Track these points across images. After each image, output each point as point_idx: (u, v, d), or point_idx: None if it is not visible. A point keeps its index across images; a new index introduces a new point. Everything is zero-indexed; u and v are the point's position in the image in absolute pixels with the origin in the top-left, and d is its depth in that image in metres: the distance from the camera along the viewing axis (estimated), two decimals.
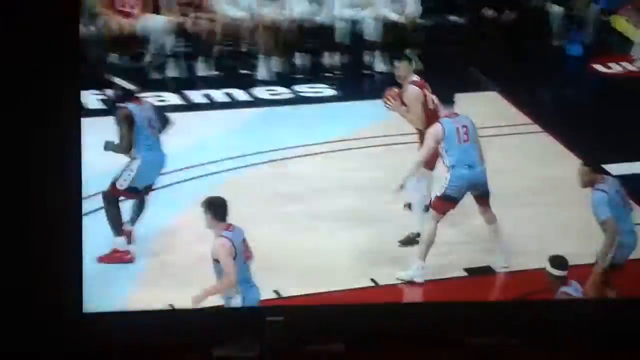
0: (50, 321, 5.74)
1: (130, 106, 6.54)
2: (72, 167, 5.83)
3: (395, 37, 8.26)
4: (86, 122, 6.16)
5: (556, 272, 5.77)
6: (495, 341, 5.77)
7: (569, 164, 6.83)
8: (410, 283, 6.36)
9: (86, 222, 5.98)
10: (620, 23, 8.00)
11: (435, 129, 6.49)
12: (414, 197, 6.70)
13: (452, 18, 8.43)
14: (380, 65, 8.27)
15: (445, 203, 6.44)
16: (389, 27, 8.27)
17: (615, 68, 7.93)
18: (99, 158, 6.37)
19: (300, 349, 5.72)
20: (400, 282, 6.38)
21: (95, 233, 6.24)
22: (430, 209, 6.50)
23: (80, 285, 5.76)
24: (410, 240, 6.73)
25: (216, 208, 5.73)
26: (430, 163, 6.67)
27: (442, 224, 6.45)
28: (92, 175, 6.21)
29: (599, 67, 7.94)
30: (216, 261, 5.68)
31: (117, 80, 6.60)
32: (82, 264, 5.80)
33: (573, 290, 5.83)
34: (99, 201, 6.47)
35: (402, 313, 5.92)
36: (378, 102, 7.71)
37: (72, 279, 5.75)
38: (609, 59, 7.96)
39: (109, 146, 6.51)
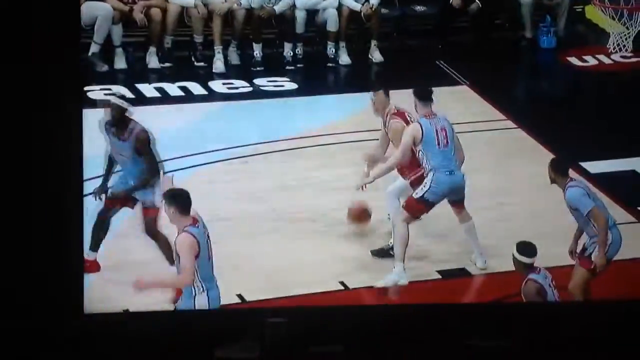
0: (51, 322, 5.73)
1: (140, 126, 6.00)
2: (73, 166, 5.78)
3: (359, 28, 7.99)
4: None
5: (524, 259, 5.63)
6: (493, 342, 5.77)
7: (543, 161, 6.64)
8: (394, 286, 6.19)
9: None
10: (594, 13, 7.88)
11: (413, 128, 6.27)
12: (391, 206, 6.44)
13: (419, 8, 8.19)
14: (344, 58, 7.99)
15: (421, 206, 6.23)
16: (352, 18, 7.97)
17: (590, 61, 7.82)
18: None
19: (301, 350, 5.75)
20: (380, 286, 6.20)
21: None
22: (402, 210, 6.24)
23: (80, 286, 5.77)
24: (383, 253, 6.45)
25: (180, 201, 5.42)
26: (407, 172, 6.43)
27: (413, 225, 6.28)
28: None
29: (573, 60, 7.81)
30: (178, 256, 5.41)
31: (114, 100, 6.04)
32: (82, 264, 5.80)
33: (542, 278, 5.69)
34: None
35: (402, 315, 5.88)
36: (342, 97, 7.53)
37: (73, 279, 5.77)
38: (584, 51, 7.85)
39: (138, 185, 5.93)
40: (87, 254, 6.02)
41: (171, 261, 5.84)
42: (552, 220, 6.35)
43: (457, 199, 6.30)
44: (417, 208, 6.23)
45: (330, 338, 5.74)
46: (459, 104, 7.39)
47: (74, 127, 5.70)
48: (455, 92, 7.56)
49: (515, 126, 7.39)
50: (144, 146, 5.99)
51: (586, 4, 7.99)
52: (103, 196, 6.05)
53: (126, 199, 6.08)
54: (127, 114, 6.06)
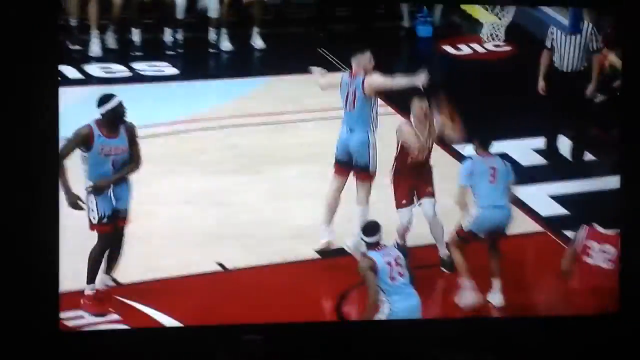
0: (26, 338, 5.70)
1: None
2: (51, 178, 5.81)
3: (239, 15, 8.02)
4: None
5: (366, 239, 6.06)
6: (470, 357, 6.01)
7: None
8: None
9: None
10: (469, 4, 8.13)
11: None
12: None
13: None
14: (225, 44, 8.04)
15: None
16: (234, 5, 8.02)
17: (465, 49, 8.05)
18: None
19: None
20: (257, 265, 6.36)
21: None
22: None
23: (56, 302, 5.74)
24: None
25: None
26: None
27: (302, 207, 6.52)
28: None
29: (449, 48, 8.05)
30: None
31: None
32: (58, 280, 5.74)
33: (378, 255, 5.99)
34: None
35: (380, 331, 6.02)
36: (223, 82, 7.45)
37: (48, 295, 5.74)
38: (458, 40, 8.09)
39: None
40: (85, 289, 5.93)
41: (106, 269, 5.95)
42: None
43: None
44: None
45: (308, 355, 5.84)
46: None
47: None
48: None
49: (394, 112, 7.48)
50: (135, 135, 6.23)
51: None
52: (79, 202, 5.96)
53: (117, 218, 6.10)
54: None
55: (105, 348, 5.73)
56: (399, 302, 5.91)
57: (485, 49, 7.96)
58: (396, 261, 5.98)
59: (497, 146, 7.16)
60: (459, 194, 6.40)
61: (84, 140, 6.09)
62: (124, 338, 5.78)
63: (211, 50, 7.88)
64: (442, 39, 8.05)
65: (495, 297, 6.35)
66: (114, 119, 6.16)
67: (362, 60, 6.78)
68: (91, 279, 5.91)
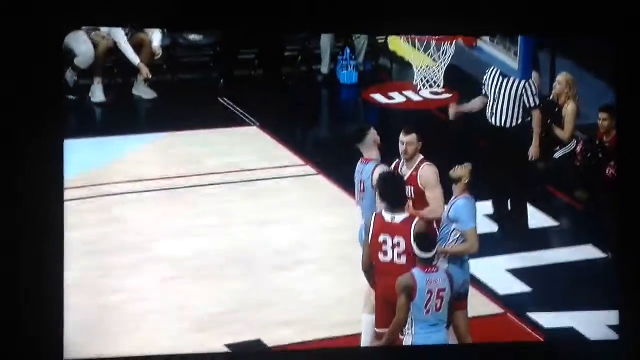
0: None
1: None
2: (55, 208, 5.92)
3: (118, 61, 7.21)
4: None
5: (419, 253, 5.70)
6: None
7: (345, 210, 6.34)
8: None
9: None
10: (399, 45, 7.49)
11: None
12: None
13: (194, 37, 7.52)
14: (98, 95, 7.11)
15: None
16: (110, 49, 7.16)
17: (397, 97, 7.42)
18: None
19: None
20: None
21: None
22: None
23: (61, 331, 5.97)
24: None
25: None
26: None
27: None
28: None
29: (378, 97, 7.40)
30: None
31: None
32: (63, 309, 5.91)
33: (425, 278, 5.64)
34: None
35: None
36: (98, 141, 6.84)
37: (53, 324, 5.96)
38: (389, 87, 7.49)
39: None
40: None
41: None
42: (352, 282, 5.98)
43: None
44: None
45: None
46: (249, 147, 6.94)
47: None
48: (244, 134, 7.03)
49: (316, 172, 6.91)
50: None
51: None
52: None
53: None
54: None
55: None
56: (423, 337, 5.67)
57: (421, 96, 7.31)
58: (438, 293, 5.71)
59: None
60: (473, 239, 5.88)
61: None
62: None
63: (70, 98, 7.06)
64: (369, 86, 7.45)
65: None
66: None
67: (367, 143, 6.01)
68: None
